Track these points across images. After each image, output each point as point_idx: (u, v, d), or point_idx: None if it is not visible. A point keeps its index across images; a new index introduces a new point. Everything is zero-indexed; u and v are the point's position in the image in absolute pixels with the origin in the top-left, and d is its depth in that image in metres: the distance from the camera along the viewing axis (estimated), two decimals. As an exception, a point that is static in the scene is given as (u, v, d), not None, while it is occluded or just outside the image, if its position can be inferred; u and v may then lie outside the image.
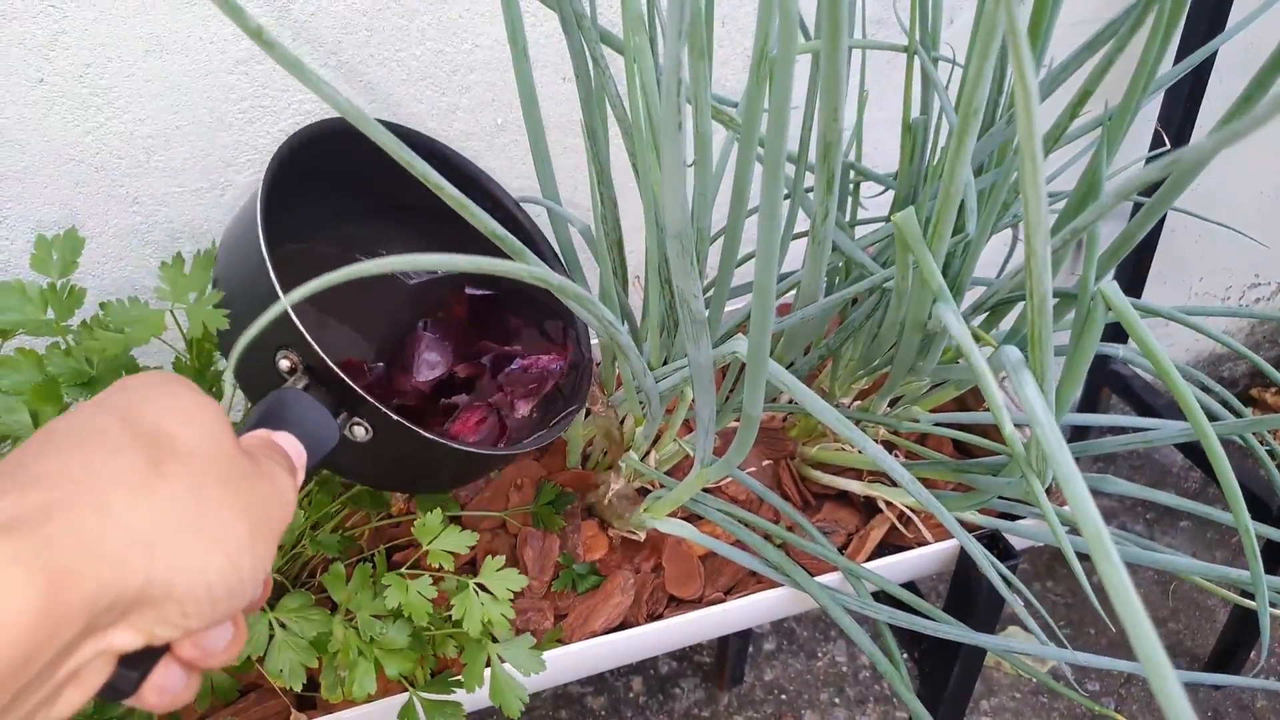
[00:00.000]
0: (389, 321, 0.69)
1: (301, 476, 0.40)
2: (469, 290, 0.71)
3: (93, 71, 0.68)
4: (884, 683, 1.17)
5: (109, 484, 0.29)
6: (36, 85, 0.67)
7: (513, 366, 0.66)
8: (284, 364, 0.48)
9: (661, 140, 0.38)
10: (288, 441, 0.41)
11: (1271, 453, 0.69)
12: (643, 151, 0.47)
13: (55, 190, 0.72)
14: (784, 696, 1.16)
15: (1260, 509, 0.99)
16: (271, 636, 0.52)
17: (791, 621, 1.24)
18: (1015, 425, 0.48)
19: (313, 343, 0.46)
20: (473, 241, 0.46)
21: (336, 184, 0.63)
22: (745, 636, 1.13)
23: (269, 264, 0.48)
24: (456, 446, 0.52)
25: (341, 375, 0.47)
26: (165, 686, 0.33)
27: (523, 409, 0.65)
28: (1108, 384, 1.28)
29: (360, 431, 0.49)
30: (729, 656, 1.14)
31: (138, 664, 0.31)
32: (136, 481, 0.30)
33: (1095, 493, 0.38)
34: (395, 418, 0.48)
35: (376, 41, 0.74)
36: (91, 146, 0.71)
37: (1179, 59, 1.00)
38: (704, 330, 0.47)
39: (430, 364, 0.68)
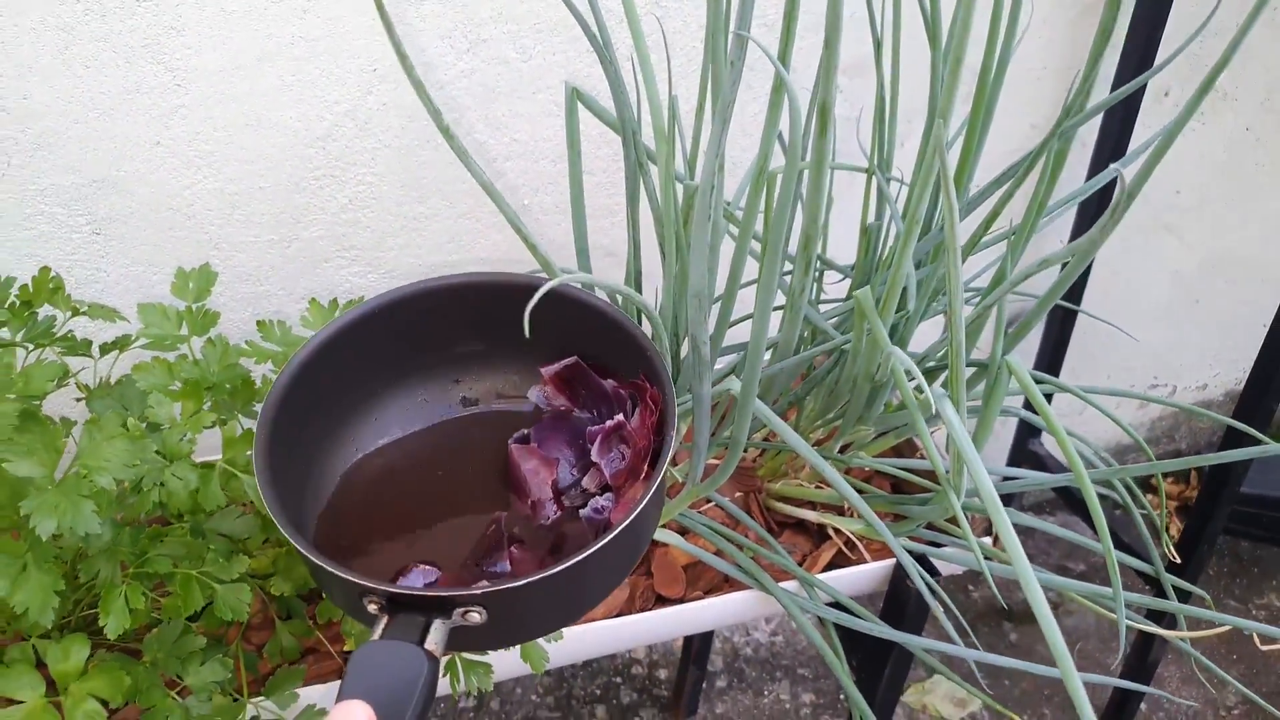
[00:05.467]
0: (499, 462, 0.69)
1: None
2: (545, 370, 0.70)
3: (200, 138, 0.82)
4: (821, 719, 1.30)
5: None
6: (153, 146, 0.81)
7: (610, 464, 0.65)
8: (371, 608, 0.51)
9: (694, 228, 0.54)
10: (346, 711, 0.45)
11: (1148, 516, 0.85)
12: (669, 233, 0.63)
13: (151, 232, 0.86)
14: (732, 728, 1.28)
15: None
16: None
17: (741, 663, 1.36)
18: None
19: (387, 588, 0.50)
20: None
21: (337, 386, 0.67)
22: (701, 670, 1.26)
23: (315, 558, 0.51)
24: (564, 566, 0.51)
25: (416, 593, 0.50)
26: None
27: (640, 489, 0.63)
28: (1026, 463, 1.45)
29: (476, 617, 0.51)
30: (685, 690, 1.26)
31: None
32: None
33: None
34: (478, 591, 0.49)
35: (433, 130, 0.89)
36: (188, 198, 0.85)
37: (1090, 176, 1.20)
38: (708, 369, 0.62)
39: (535, 472, 0.67)
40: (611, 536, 0.53)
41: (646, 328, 0.67)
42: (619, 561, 0.59)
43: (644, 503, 0.55)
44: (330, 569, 0.51)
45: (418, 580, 0.61)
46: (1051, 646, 0.47)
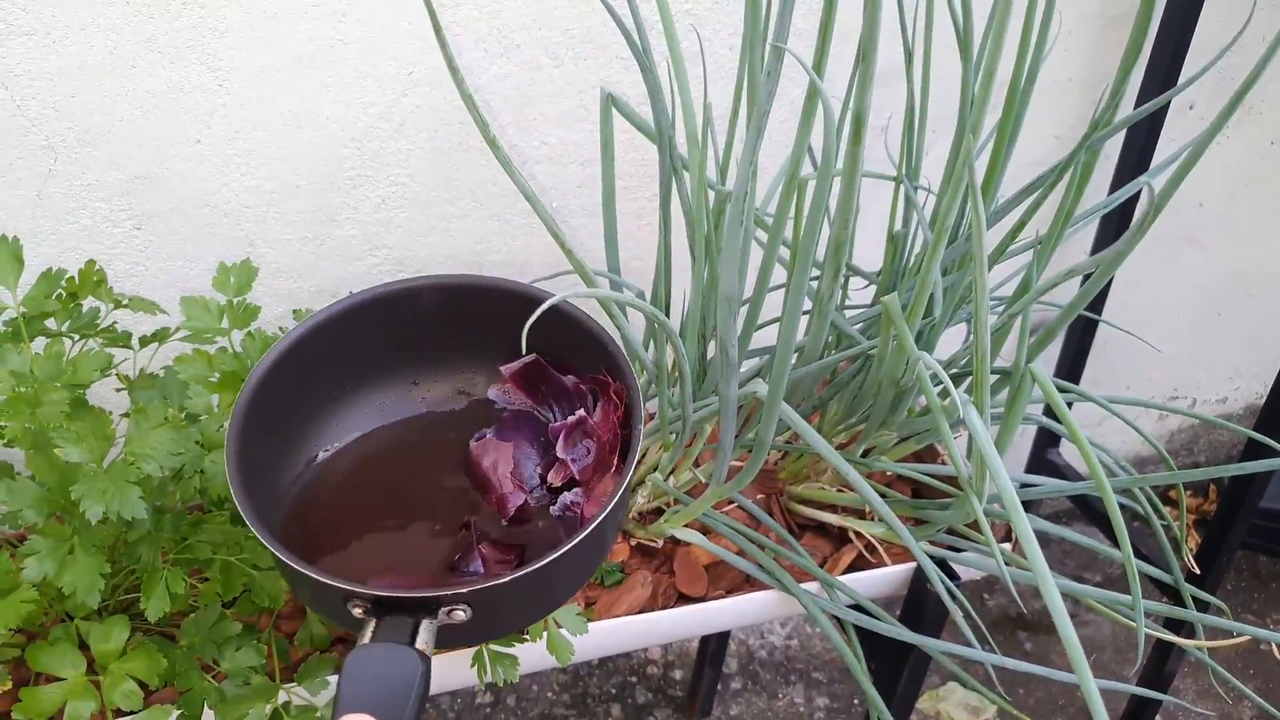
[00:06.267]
0: (462, 462, 0.70)
1: None
2: (504, 368, 0.70)
3: (240, 137, 0.84)
4: (836, 723, 1.31)
5: None
6: (194, 144, 0.83)
7: (575, 457, 0.66)
8: (356, 611, 0.52)
9: (726, 233, 0.55)
10: None
11: (1168, 527, 0.86)
12: (700, 237, 0.64)
13: (190, 228, 0.87)
14: (747, 730, 1.29)
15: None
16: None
17: (756, 665, 1.37)
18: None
19: (375, 591, 0.51)
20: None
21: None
22: (716, 671, 1.26)
23: (298, 566, 0.53)
24: (548, 560, 0.53)
25: (404, 595, 0.51)
26: None
27: (609, 483, 0.65)
28: (1045, 472, 1.46)
29: (461, 615, 0.52)
30: (700, 690, 1.27)
31: None
32: None
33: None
34: (464, 590, 0.50)
35: (465, 133, 0.91)
36: (226, 196, 0.87)
37: (1114, 188, 1.20)
38: (735, 371, 0.63)
39: (495, 467, 0.67)
40: (589, 530, 0.54)
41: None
42: (591, 554, 0.62)
43: (618, 496, 0.57)
44: (319, 577, 0.52)
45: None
46: (1067, 648, 0.48)
